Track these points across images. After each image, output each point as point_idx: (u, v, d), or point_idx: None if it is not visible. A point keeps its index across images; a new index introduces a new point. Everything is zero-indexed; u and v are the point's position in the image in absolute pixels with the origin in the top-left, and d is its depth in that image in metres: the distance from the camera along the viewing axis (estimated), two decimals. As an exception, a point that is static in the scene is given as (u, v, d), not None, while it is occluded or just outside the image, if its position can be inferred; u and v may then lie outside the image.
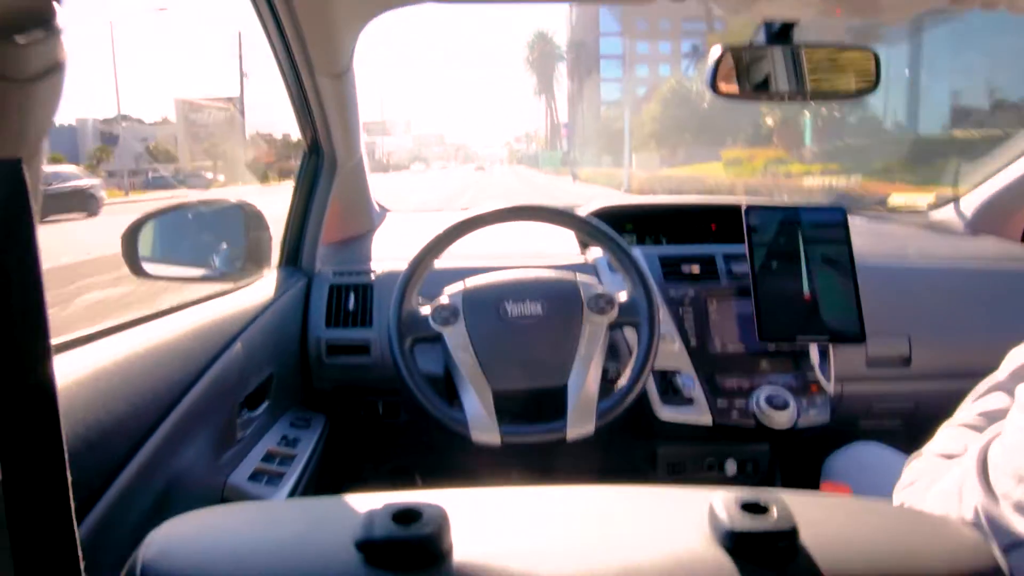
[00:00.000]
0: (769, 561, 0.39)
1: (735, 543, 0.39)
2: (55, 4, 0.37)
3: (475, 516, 0.44)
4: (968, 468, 0.70)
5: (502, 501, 0.46)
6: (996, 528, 0.64)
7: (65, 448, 0.35)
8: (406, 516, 0.39)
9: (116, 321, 0.91)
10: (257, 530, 0.44)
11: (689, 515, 0.43)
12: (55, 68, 0.38)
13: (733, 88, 1.23)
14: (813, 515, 0.43)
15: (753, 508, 0.41)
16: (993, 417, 0.81)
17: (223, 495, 1.08)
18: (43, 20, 0.36)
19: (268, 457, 1.19)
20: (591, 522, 0.44)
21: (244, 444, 1.14)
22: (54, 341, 0.75)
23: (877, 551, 0.42)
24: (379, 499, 0.41)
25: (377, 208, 1.80)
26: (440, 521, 0.39)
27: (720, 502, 0.41)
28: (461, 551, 0.39)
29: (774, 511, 0.40)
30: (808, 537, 0.40)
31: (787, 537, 0.39)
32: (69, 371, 0.72)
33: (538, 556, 0.40)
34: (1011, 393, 0.82)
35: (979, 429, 0.82)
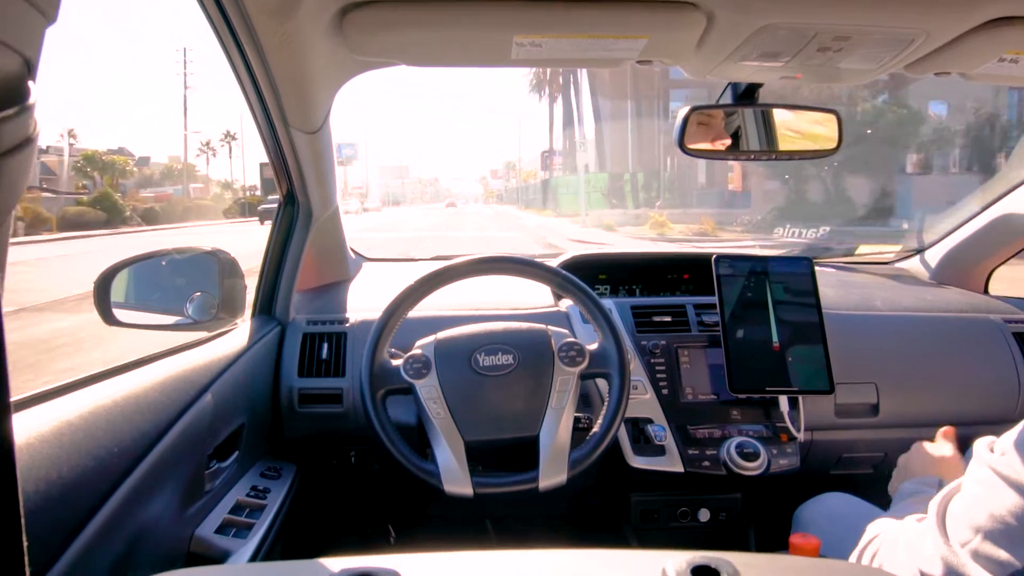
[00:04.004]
0: None
1: None
2: (29, 82, 0.38)
3: None
4: (928, 522, 0.72)
5: (457, 566, 0.47)
6: None
7: (22, 509, 0.35)
8: None
9: (83, 375, 0.90)
10: None
11: None
12: (26, 142, 0.39)
13: (703, 145, 1.26)
14: None
15: (704, 572, 0.41)
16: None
17: (190, 548, 1.06)
18: (17, 94, 0.37)
19: (237, 508, 1.18)
20: None
21: (212, 496, 1.13)
22: (18, 397, 0.75)
23: None
24: (335, 564, 0.42)
25: (353, 256, 1.81)
26: None
27: (672, 567, 0.42)
28: None
29: None
30: None
31: None
32: (32, 426, 0.72)
33: None
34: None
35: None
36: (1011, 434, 0.67)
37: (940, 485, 0.89)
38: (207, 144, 54.91)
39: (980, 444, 0.71)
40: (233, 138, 57.47)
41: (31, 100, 0.39)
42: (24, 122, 0.39)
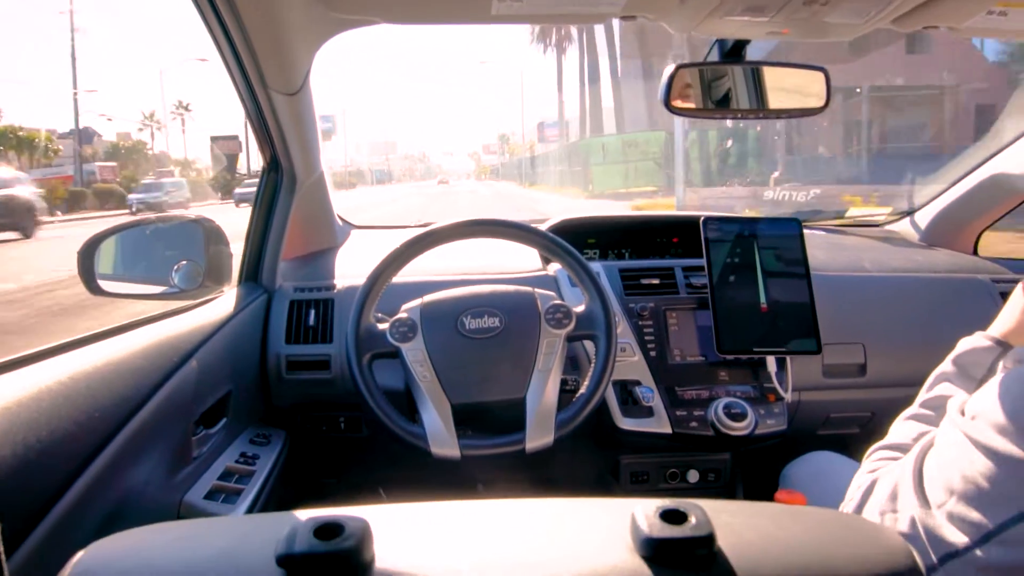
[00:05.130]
0: (687, 566, 0.40)
1: (654, 550, 0.40)
2: None
3: (398, 530, 0.44)
4: (902, 477, 0.73)
5: (427, 516, 0.47)
6: (932, 538, 0.66)
7: None
8: (328, 531, 0.39)
9: (61, 340, 0.89)
10: (181, 549, 0.44)
11: (611, 525, 0.43)
12: None
13: (689, 104, 1.25)
14: (734, 522, 0.44)
15: (672, 516, 0.41)
16: (939, 406, 0.84)
17: (179, 513, 1.06)
18: None
19: (226, 475, 1.18)
20: (513, 536, 0.45)
21: (201, 462, 1.13)
22: (-4, 361, 0.74)
23: (795, 553, 0.43)
24: (304, 515, 0.42)
25: (340, 223, 1.80)
26: (362, 535, 0.39)
27: (641, 511, 0.42)
28: (382, 564, 0.40)
29: (692, 519, 0.41)
30: (727, 543, 0.41)
31: (704, 543, 0.40)
32: (10, 390, 0.71)
33: (460, 570, 0.40)
34: (954, 380, 0.85)
35: (925, 419, 0.85)
36: (981, 397, 0.67)
37: None
38: (151, 116, 46.09)
39: (952, 405, 0.72)
40: (187, 109, 50.00)
41: None
42: None
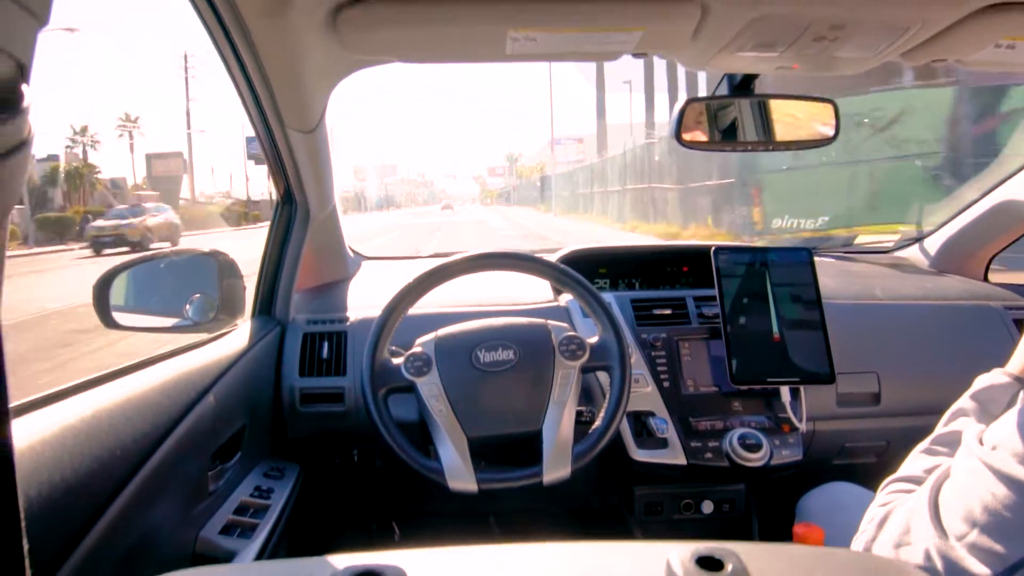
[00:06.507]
0: None
1: None
2: (23, 85, 0.38)
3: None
4: (917, 509, 0.72)
5: (461, 561, 0.47)
6: (952, 570, 0.65)
7: (22, 514, 0.35)
8: None
9: (85, 378, 0.90)
10: None
11: (647, 571, 0.43)
12: (22, 145, 0.39)
13: (699, 136, 1.26)
14: (770, 568, 0.44)
15: (708, 563, 0.41)
16: (954, 442, 0.83)
17: (194, 549, 1.06)
18: (11, 98, 0.37)
19: (241, 509, 1.18)
20: None
21: (216, 497, 1.13)
22: (19, 401, 0.75)
23: None
24: (339, 561, 0.42)
25: (352, 255, 1.81)
26: None
27: (677, 558, 0.42)
28: None
29: (729, 566, 0.41)
30: None
31: None
32: (34, 431, 0.72)
33: None
34: (972, 416, 0.84)
35: (940, 454, 0.85)
36: (1001, 426, 0.67)
37: None
38: (82, 131, 38.92)
39: (970, 434, 0.71)
40: (134, 124, 42.79)
41: (25, 104, 0.38)
42: (19, 126, 0.39)
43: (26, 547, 0.35)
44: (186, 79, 41.66)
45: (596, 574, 0.46)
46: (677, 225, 15.63)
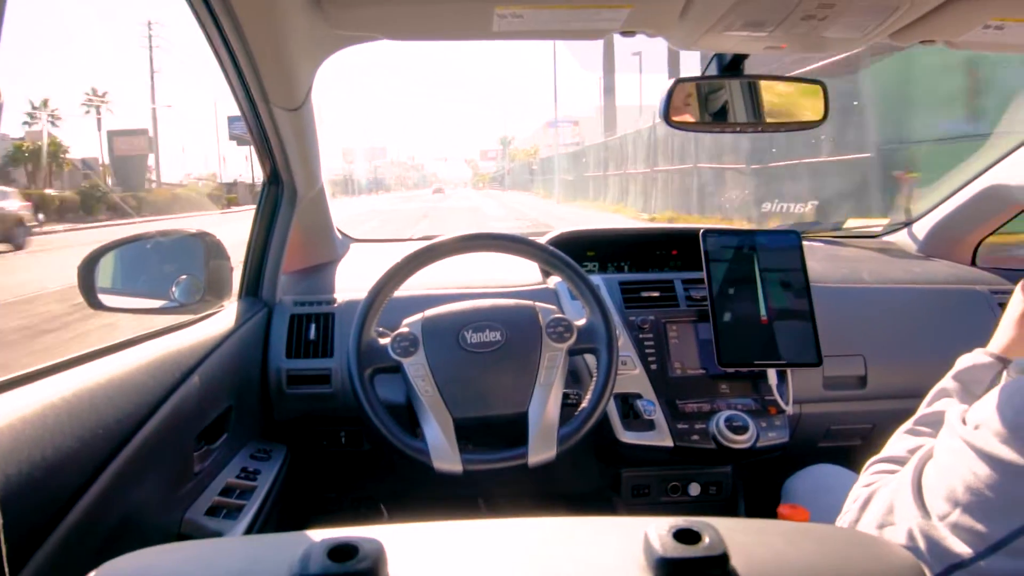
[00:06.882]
0: None
1: (667, 570, 0.40)
2: None
3: (413, 550, 0.44)
4: (900, 489, 0.72)
5: (440, 535, 0.47)
6: (935, 549, 0.66)
7: None
8: (342, 552, 0.39)
9: (66, 357, 0.89)
10: (194, 570, 0.44)
11: (625, 544, 0.43)
12: None
13: (688, 118, 1.26)
14: (747, 540, 0.44)
15: (686, 535, 0.41)
16: (937, 422, 0.84)
17: (180, 530, 1.06)
18: None
19: (227, 490, 1.18)
20: (528, 555, 0.45)
21: (202, 478, 1.13)
22: (1, 379, 0.74)
23: (808, 572, 0.43)
24: (317, 535, 0.42)
25: (340, 237, 1.80)
26: (376, 556, 0.39)
27: (654, 531, 0.42)
28: None
29: (706, 539, 0.41)
30: (740, 563, 0.41)
31: (718, 563, 0.40)
32: (15, 408, 0.71)
33: None
34: (955, 396, 0.85)
35: (922, 434, 0.85)
36: (983, 405, 0.67)
37: None
38: (43, 105, 35.46)
39: (952, 414, 0.72)
40: (102, 99, 38.68)
41: None
42: None
43: (0, 522, 0.35)
44: (150, 48, 38.55)
45: (576, 548, 0.46)
46: (742, 219, 11.42)
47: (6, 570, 0.35)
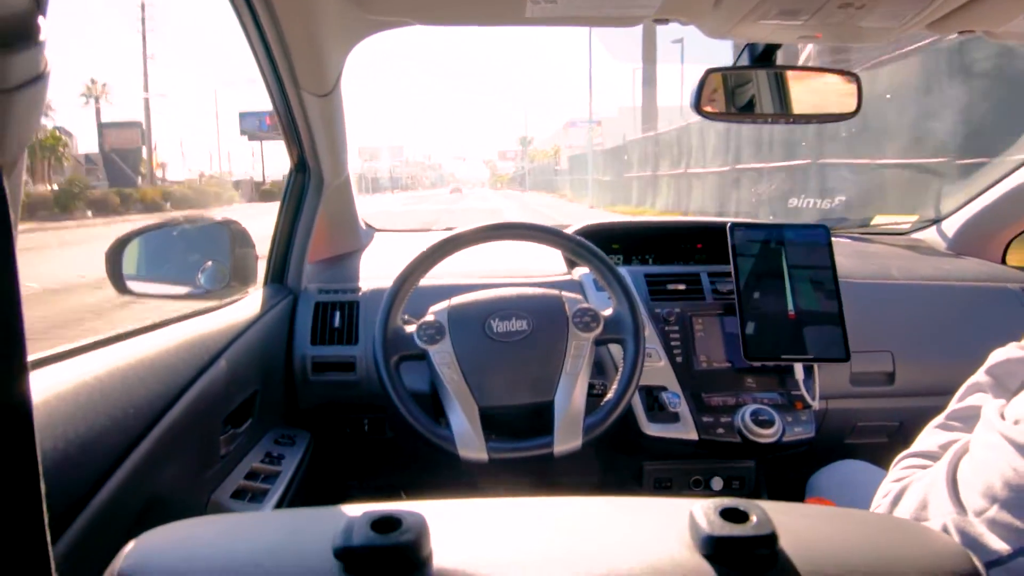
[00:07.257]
0: (749, 566, 0.39)
1: (715, 549, 0.40)
2: (39, 16, 0.37)
3: (455, 525, 0.44)
4: (934, 484, 0.71)
5: (483, 511, 0.46)
6: (971, 545, 0.64)
7: (40, 464, 0.34)
8: (385, 524, 0.39)
9: (99, 336, 0.90)
10: (235, 541, 0.44)
11: (670, 523, 0.43)
12: (37, 78, 0.38)
13: (718, 108, 1.25)
14: (793, 522, 0.43)
15: (733, 515, 0.41)
16: (969, 417, 0.82)
17: (205, 512, 1.07)
18: (27, 31, 0.36)
19: (252, 474, 1.18)
20: (572, 532, 0.44)
21: (227, 461, 1.13)
22: (35, 355, 0.75)
23: (857, 556, 0.42)
24: (358, 508, 0.41)
25: (364, 227, 1.80)
26: (420, 529, 0.39)
27: (700, 510, 0.41)
28: (440, 559, 0.39)
29: (754, 518, 0.40)
30: (788, 543, 0.40)
31: (766, 542, 0.39)
32: (50, 384, 0.71)
33: (517, 565, 0.40)
34: (988, 391, 0.83)
35: (955, 429, 0.84)
36: (1022, 401, 0.66)
37: None
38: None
39: (990, 408, 0.70)
40: (102, 91, 37.62)
41: (42, 36, 0.38)
42: (35, 58, 0.38)
43: (44, 496, 0.35)
44: (143, 32, 36.21)
45: (619, 526, 0.45)
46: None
47: (48, 545, 0.35)
